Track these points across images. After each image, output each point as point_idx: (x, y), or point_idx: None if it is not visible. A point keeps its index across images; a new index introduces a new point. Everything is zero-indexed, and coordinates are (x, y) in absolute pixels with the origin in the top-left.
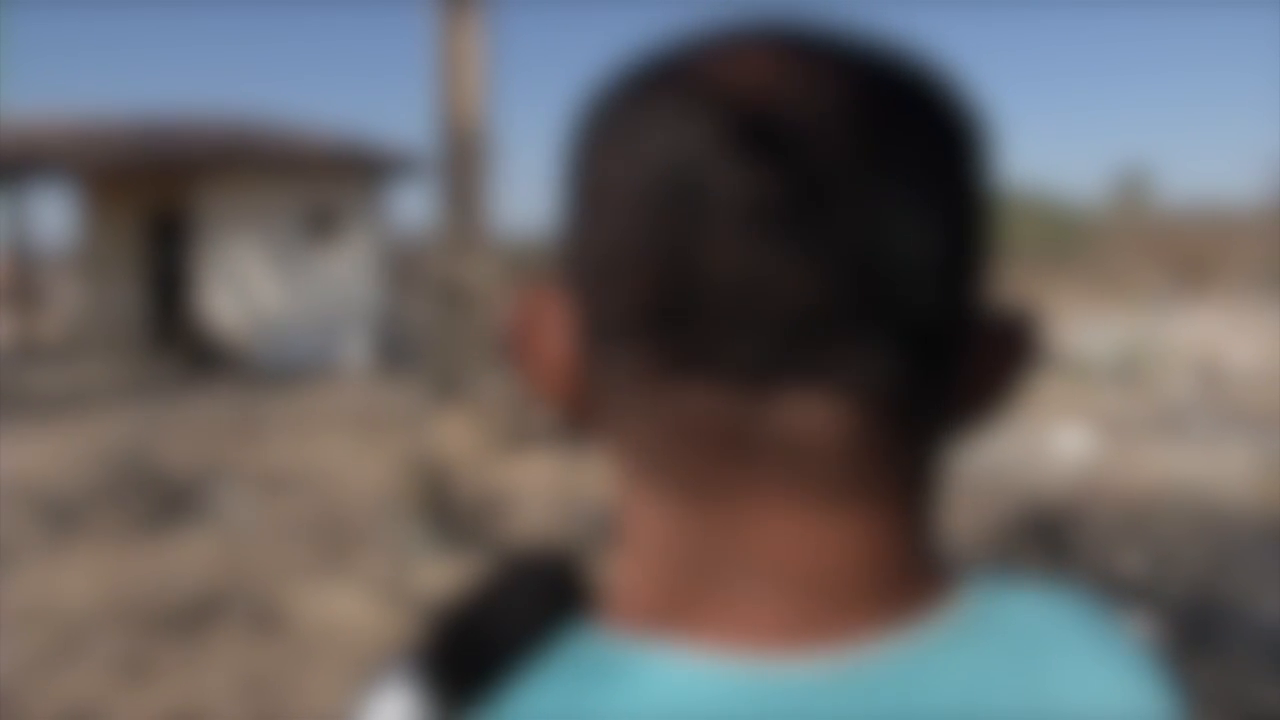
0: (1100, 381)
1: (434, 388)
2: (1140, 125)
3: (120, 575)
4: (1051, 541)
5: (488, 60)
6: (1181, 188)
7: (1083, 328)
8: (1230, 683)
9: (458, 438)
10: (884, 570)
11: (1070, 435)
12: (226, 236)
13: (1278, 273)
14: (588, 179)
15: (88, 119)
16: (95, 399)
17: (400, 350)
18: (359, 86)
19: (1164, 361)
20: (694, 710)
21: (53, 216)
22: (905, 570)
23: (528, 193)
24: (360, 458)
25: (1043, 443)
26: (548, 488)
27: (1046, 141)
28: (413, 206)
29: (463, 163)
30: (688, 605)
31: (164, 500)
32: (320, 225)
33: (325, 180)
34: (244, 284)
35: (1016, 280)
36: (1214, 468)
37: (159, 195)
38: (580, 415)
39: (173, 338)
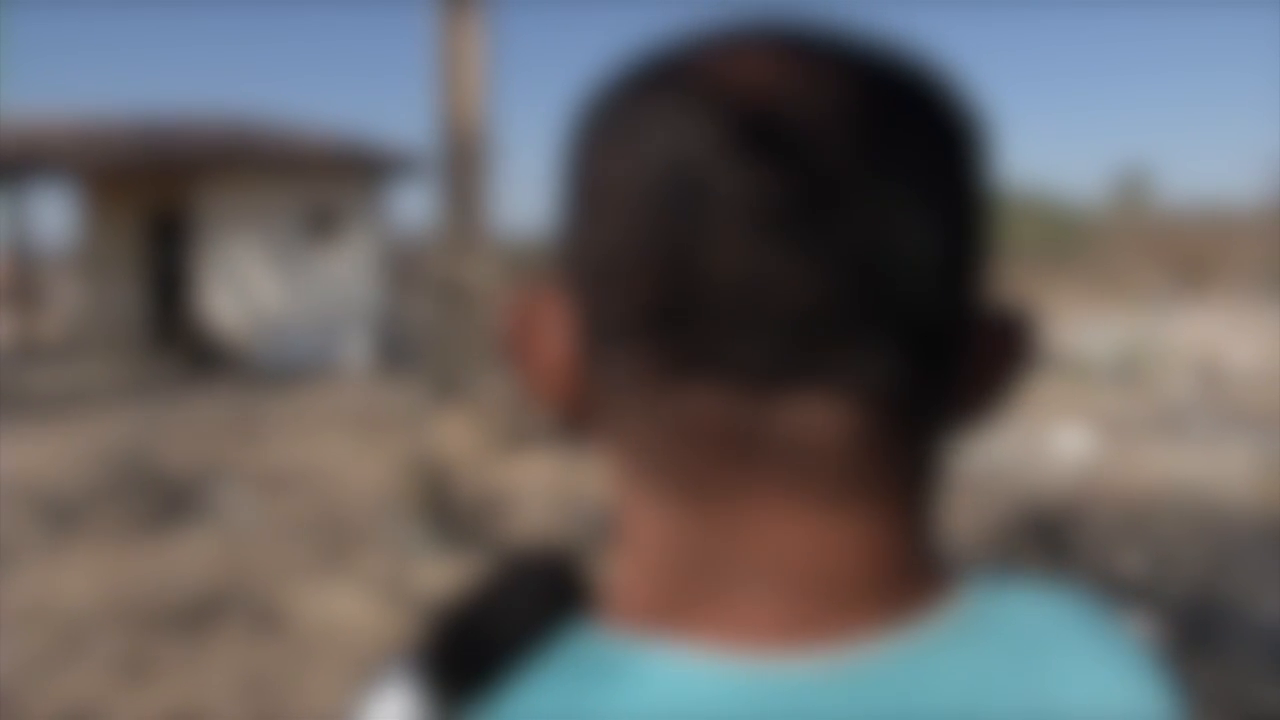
0: (1100, 381)
1: (434, 388)
2: (1140, 125)
3: (120, 575)
4: (1051, 541)
5: (488, 60)
6: (1181, 188)
7: (1082, 328)
8: (1230, 683)
9: (458, 438)
10: (884, 570)
11: (1070, 435)
12: (226, 236)
13: (1278, 273)
14: (588, 178)
15: (88, 119)
16: (95, 399)
17: (400, 350)
18: (359, 86)
19: (1164, 361)
20: (693, 709)
21: (53, 216)
22: (905, 570)
23: (528, 193)
24: (360, 458)
25: (1042, 443)
26: (548, 488)
27: (1046, 141)
28: (413, 206)
29: (463, 163)
30: (687, 605)
31: (164, 500)
32: (320, 225)
33: (325, 180)
34: (244, 284)
35: (1016, 280)
36: (1214, 468)
37: (159, 195)
38: (579, 416)
39: (173, 338)
